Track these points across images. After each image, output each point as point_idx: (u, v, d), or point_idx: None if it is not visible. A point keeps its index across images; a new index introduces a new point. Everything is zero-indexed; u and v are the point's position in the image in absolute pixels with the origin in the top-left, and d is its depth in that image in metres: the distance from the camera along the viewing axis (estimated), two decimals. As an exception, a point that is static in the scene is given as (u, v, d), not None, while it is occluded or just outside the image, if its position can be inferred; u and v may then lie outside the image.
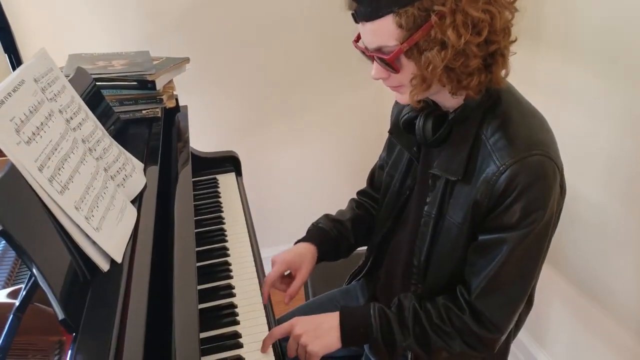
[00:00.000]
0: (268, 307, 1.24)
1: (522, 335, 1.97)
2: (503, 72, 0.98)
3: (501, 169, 0.96)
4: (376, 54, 0.98)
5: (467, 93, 0.99)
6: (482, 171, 1.00)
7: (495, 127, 1.00)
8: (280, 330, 1.13)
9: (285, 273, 1.29)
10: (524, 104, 1.05)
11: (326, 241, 1.32)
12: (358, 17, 0.97)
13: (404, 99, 1.03)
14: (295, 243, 1.33)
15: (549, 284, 1.77)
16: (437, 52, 0.91)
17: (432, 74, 0.93)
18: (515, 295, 1.06)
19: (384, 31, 0.93)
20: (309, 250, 1.29)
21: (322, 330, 1.11)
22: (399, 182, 1.24)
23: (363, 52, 1.01)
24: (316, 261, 1.30)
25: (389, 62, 0.96)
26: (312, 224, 1.38)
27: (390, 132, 1.24)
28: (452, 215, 1.06)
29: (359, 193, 1.47)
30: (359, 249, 1.41)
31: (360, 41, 1.01)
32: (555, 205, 1.02)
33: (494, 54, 0.94)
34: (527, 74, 1.69)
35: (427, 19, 0.90)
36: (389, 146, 1.33)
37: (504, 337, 1.09)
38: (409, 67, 0.97)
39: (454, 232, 1.06)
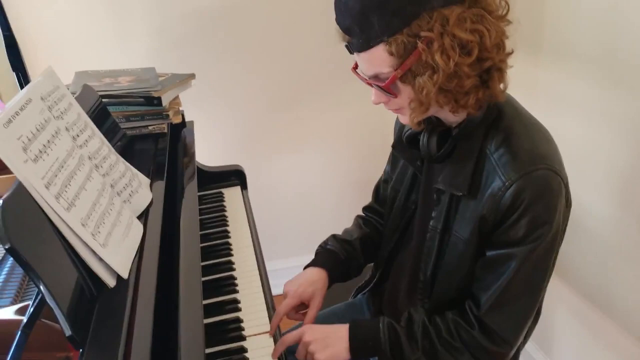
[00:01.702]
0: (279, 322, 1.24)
1: (528, 345, 1.96)
2: (502, 86, 0.99)
3: (507, 184, 0.97)
4: (373, 82, 1.00)
5: (467, 110, 0.99)
6: (488, 186, 1.00)
7: (499, 141, 1.01)
8: (291, 337, 1.14)
9: None
10: (526, 116, 1.06)
11: (336, 264, 1.32)
12: (351, 49, 0.99)
13: (406, 120, 1.05)
14: (305, 267, 1.33)
15: (554, 293, 1.76)
16: (429, 77, 0.92)
17: (427, 98, 0.95)
18: (524, 310, 1.06)
19: (377, 60, 0.95)
20: (320, 278, 1.28)
21: (331, 340, 1.12)
22: (404, 196, 1.24)
23: (362, 79, 1.03)
24: (328, 287, 1.30)
25: (386, 89, 0.98)
26: (320, 246, 1.37)
27: (393, 146, 1.25)
28: (458, 231, 1.06)
29: (365, 209, 1.47)
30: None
31: (358, 68, 1.03)
32: (562, 218, 1.02)
33: (489, 70, 0.95)
34: (528, 83, 1.70)
35: (417, 45, 0.91)
36: (393, 160, 1.33)
37: (513, 352, 1.09)
38: (406, 92, 0.98)
39: (461, 248, 1.06)
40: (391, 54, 0.93)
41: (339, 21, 0.98)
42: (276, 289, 1.37)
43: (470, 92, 0.95)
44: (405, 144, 1.18)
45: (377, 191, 1.44)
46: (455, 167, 1.06)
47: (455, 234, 1.07)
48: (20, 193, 0.82)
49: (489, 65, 0.94)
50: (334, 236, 1.39)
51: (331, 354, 1.10)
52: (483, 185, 1.01)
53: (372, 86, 1.02)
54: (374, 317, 1.17)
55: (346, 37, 0.98)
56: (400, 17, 0.90)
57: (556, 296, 1.77)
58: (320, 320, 1.31)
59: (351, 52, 1.00)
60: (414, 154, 1.17)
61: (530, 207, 0.96)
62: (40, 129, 0.92)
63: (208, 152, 1.98)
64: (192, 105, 1.86)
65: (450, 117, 1.05)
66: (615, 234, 1.48)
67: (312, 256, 1.37)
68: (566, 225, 1.08)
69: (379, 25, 0.91)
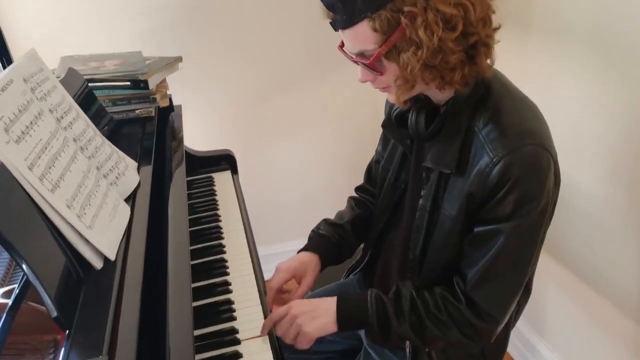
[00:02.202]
0: (265, 302, 1.24)
1: (521, 324, 1.97)
2: (489, 61, 0.98)
3: (494, 160, 0.96)
4: (359, 59, 0.99)
5: (454, 87, 0.99)
6: (476, 163, 0.99)
7: (487, 118, 1.00)
8: (279, 313, 1.14)
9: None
10: (514, 93, 1.05)
11: (328, 248, 1.33)
12: (336, 26, 0.98)
13: (392, 98, 1.04)
14: (298, 252, 1.33)
15: (547, 272, 1.77)
16: (413, 53, 0.91)
17: (412, 75, 0.94)
18: (511, 286, 1.06)
19: (362, 36, 0.94)
20: (312, 260, 1.29)
21: (319, 312, 1.12)
22: (394, 176, 1.24)
23: (348, 57, 1.02)
24: (320, 269, 1.31)
25: (371, 66, 0.97)
26: (313, 231, 1.38)
27: (383, 126, 1.24)
28: (446, 208, 1.06)
29: (357, 189, 1.47)
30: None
31: (345, 46, 1.02)
32: (550, 195, 1.01)
33: (475, 45, 0.94)
34: (520, 64, 1.69)
35: (400, 20, 0.90)
36: (384, 140, 1.33)
37: (500, 328, 1.09)
38: (391, 69, 0.97)
39: (449, 225, 1.06)
40: (375, 30, 0.92)
41: None
42: (268, 274, 1.36)
43: (456, 68, 0.94)
44: (394, 123, 1.17)
45: (369, 172, 1.44)
46: (443, 144, 1.05)
47: (444, 212, 1.07)
48: (3, 174, 0.81)
49: (474, 40, 0.93)
50: (325, 220, 1.39)
51: (319, 326, 1.11)
52: (471, 163, 1.01)
53: (358, 64, 1.01)
54: (364, 290, 1.16)
55: (330, 14, 0.97)
56: None
57: (549, 275, 1.77)
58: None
59: (336, 30, 0.99)
60: (403, 133, 1.16)
61: (518, 184, 0.96)
62: (22, 109, 0.90)
63: (198, 137, 1.97)
64: (180, 89, 1.84)
65: (438, 94, 1.04)
66: (608, 213, 1.48)
67: (305, 241, 1.37)
68: (555, 202, 1.08)
69: (362, 1, 0.90)
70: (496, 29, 0.96)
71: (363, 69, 1.01)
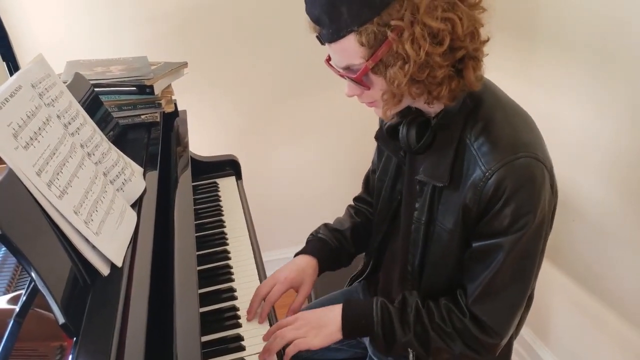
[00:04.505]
0: (270, 310, 1.24)
1: (525, 332, 1.97)
2: (477, 75, 0.96)
3: (487, 174, 0.95)
4: (345, 73, 0.98)
5: (441, 102, 0.98)
6: (469, 176, 0.99)
7: (478, 130, 0.99)
8: (286, 321, 1.13)
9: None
10: (506, 104, 1.04)
11: (327, 253, 1.31)
12: (322, 39, 0.97)
13: (379, 112, 1.03)
14: (296, 255, 1.32)
15: (551, 281, 1.77)
16: (400, 68, 0.90)
17: (399, 89, 0.93)
18: (513, 300, 1.05)
19: (348, 50, 0.93)
20: (310, 265, 1.27)
21: (325, 321, 1.11)
22: (390, 187, 1.23)
23: (335, 71, 1.01)
24: (317, 274, 1.29)
25: (358, 80, 0.96)
26: (312, 234, 1.36)
27: (376, 137, 1.23)
28: (442, 222, 1.05)
29: (356, 199, 1.45)
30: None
31: (332, 60, 1.01)
32: (547, 206, 1.00)
33: (462, 59, 0.93)
34: (525, 71, 1.69)
35: (387, 34, 0.89)
36: (379, 151, 1.31)
37: (505, 342, 1.08)
38: (378, 83, 0.96)
39: (445, 238, 1.05)
40: (362, 44, 0.91)
41: (308, 11, 0.96)
42: (272, 280, 1.36)
43: (443, 83, 0.93)
44: (386, 135, 1.17)
45: (367, 182, 1.43)
46: (435, 157, 1.04)
47: (440, 225, 1.06)
48: (11, 180, 0.81)
49: (462, 54, 0.92)
50: (325, 225, 1.38)
51: (324, 337, 1.10)
52: (464, 175, 1.00)
53: (345, 78, 1.00)
54: (370, 298, 1.15)
55: (317, 28, 0.97)
56: (370, 6, 0.88)
57: (553, 284, 1.77)
58: (317, 307, 1.30)
59: (322, 43, 0.98)
60: (396, 145, 1.15)
61: (514, 196, 0.95)
62: (31, 115, 0.91)
63: (202, 142, 1.97)
64: (185, 95, 1.85)
65: (428, 107, 1.03)
66: (614, 222, 1.48)
67: (309, 247, 1.36)
68: (554, 212, 1.07)
69: (348, 15, 0.89)
70: (485, 41, 0.95)
71: (350, 83, 1.00)
